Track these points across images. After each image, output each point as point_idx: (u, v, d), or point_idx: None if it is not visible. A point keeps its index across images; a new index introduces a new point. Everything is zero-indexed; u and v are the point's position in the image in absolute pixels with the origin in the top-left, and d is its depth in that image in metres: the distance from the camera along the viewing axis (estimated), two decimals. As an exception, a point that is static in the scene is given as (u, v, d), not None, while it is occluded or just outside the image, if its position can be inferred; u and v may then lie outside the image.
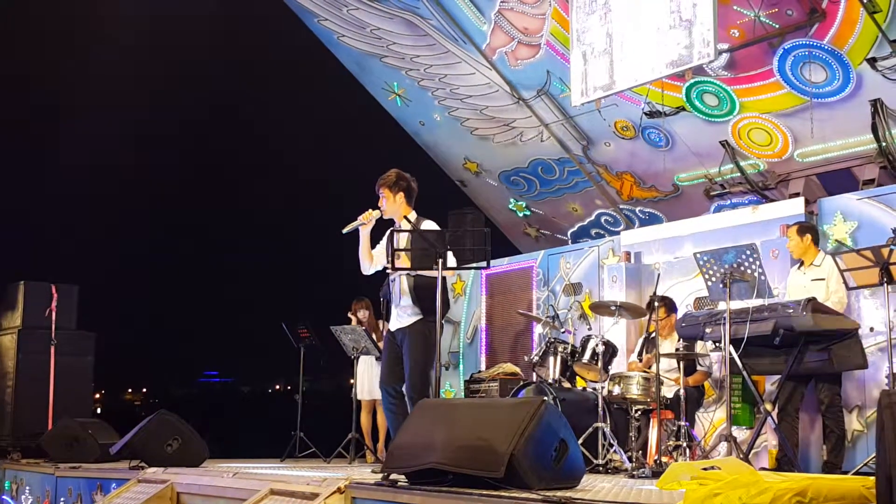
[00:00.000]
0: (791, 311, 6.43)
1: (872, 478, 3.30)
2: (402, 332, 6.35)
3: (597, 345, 7.50)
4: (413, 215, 6.46)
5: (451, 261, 6.12)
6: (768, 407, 6.93)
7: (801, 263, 7.39)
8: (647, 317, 7.76)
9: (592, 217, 12.71)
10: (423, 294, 6.32)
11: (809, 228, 7.45)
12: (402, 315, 6.37)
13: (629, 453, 6.83)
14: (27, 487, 8.43)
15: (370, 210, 6.36)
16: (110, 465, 7.61)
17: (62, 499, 7.68)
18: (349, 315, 9.74)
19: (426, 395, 6.18)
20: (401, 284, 6.37)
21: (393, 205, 6.44)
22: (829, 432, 6.92)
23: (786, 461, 6.83)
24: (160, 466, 6.80)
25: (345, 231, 6.30)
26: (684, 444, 6.75)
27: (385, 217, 6.45)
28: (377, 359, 9.15)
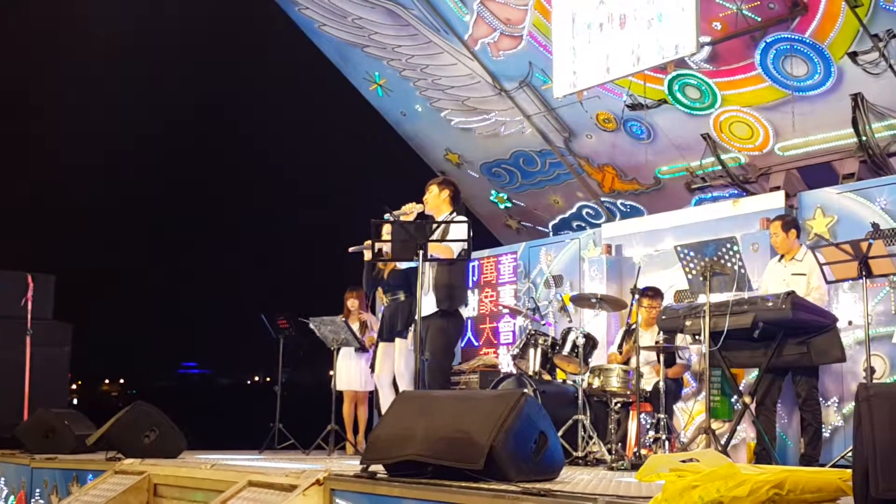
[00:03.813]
0: (770, 304, 6.45)
1: (849, 470, 3.30)
2: (426, 322, 6.43)
3: (577, 337, 7.51)
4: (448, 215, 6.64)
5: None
6: (747, 400, 6.96)
7: (781, 256, 7.41)
8: (629, 309, 7.79)
9: (574, 209, 12.71)
10: (444, 288, 6.51)
11: (794, 223, 7.47)
12: (430, 304, 6.45)
13: (609, 445, 6.84)
14: (2, 478, 8.37)
15: (413, 203, 6.52)
16: (87, 456, 7.54)
17: (38, 490, 7.62)
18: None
19: (445, 387, 6.34)
20: (429, 276, 6.46)
21: (437, 199, 6.69)
22: (807, 425, 6.94)
23: (764, 454, 6.86)
24: (137, 457, 6.74)
25: (385, 217, 6.37)
26: (663, 437, 6.77)
27: (427, 211, 6.66)
28: (356, 350, 9.14)
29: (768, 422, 7.02)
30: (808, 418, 6.93)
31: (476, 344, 10.93)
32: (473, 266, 11.06)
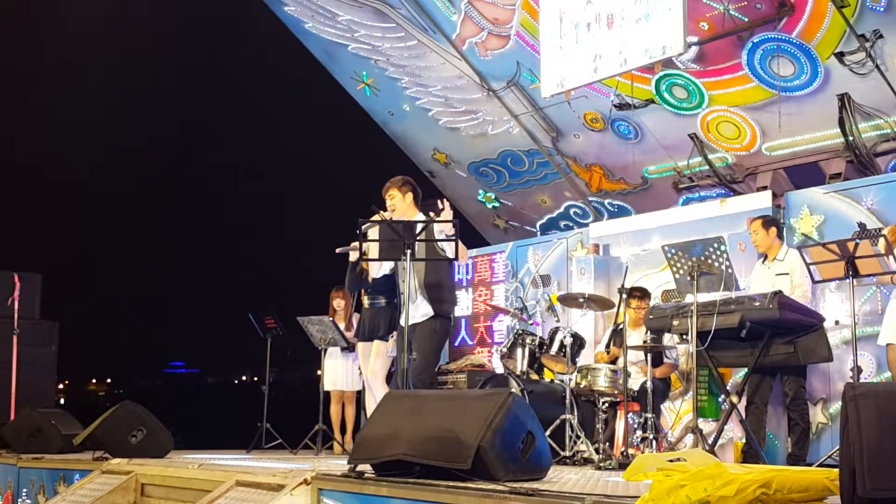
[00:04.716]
0: (757, 303, 6.46)
1: (836, 470, 3.32)
2: (413, 329, 6.37)
3: (564, 337, 7.51)
4: (420, 217, 6.64)
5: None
6: (734, 399, 6.97)
7: (765, 257, 7.43)
8: (616, 308, 7.79)
9: (561, 209, 12.71)
10: (436, 289, 6.49)
11: (774, 221, 7.49)
12: (416, 311, 6.40)
13: (596, 445, 6.85)
14: (-12, 478, 8.32)
15: (381, 212, 6.49)
16: (74, 456, 7.52)
17: (24, 490, 7.59)
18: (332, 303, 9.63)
19: (432, 388, 6.31)
20: (414, 281, 6.40)
21: (403, 203, 6.69)
22: (794, 425, 6.97)
23: (751, 453, 6.88)
24: (124, 457, 6.73)
25: (359, 231, 6.33)
26: (651, 436, 6.78)
27: (395, 217, 6.60)
28: (343, 349, 9.13)
29: (757, 421, 7.04)
30: (796, 418, 6.95)
31: (470, 343, 10.89)
32: (468, 265, 11.03)
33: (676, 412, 8.17)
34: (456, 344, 10.99)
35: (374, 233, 6.49)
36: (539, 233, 12.81)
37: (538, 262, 10.27)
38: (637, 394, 7.33)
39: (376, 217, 6.55)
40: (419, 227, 5.96)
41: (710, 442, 6.65)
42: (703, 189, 10.88)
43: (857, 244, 6.30)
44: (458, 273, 11.12)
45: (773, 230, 7.38)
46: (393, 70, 12.17)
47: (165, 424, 7.39)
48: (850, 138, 9.25)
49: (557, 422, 7.02)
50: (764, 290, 6.84)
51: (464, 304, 11.10)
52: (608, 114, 10.89)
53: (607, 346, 8.05)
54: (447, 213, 6.42)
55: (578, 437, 6.97)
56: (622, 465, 5.97)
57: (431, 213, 6.60)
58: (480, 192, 13.23)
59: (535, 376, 7.92)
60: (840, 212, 7.85)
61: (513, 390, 6.12)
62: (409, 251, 5.80)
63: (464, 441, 4.06)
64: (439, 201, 6.55)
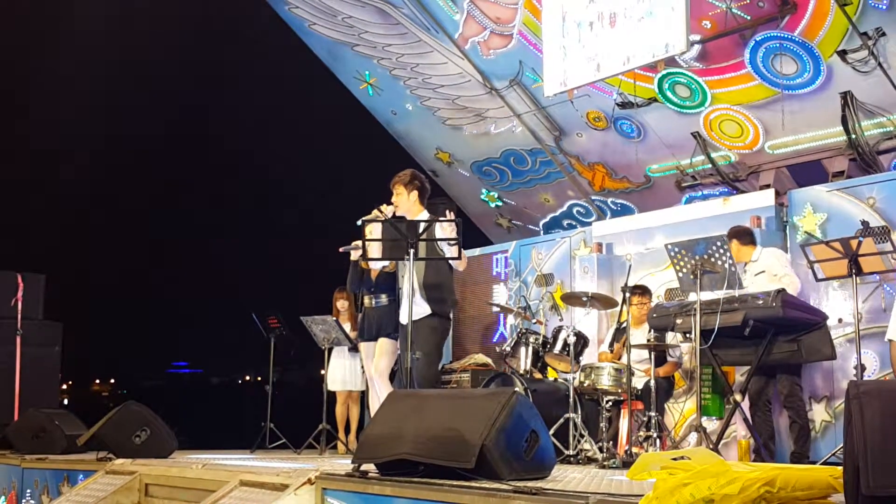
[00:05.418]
0: (760, 302, 6.46)
1: (840, 468, 3.31)
2: (415, 323, 6.36)
3: (568, 335, 7.51)
4: (425, 214, 6.62)
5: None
6: (738, 397, 6.97)
7: (746, 264, 7.43)
8: (619, 307, 7.79)
9: (564, 208, 12.72)
10: (435, 290, 6.49)
11: (736, 234, 7.44)
12: (421, 307, 6.42)
13: (600, 444, 6.85)
14: (-8, 479, 8.33)
15: (384, 205, 6.50)
16: (77, 457, 7.52)
17: (28, 490, 7.59)
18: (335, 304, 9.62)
19: (435, 387, 6.31)
20: (414, 279, 6.40)
21: (406, 202, 6.66)
22: (792, 423, 6.98)
23: (758, 453, 6.88)
24: (128, 458, 6.72)
25: (359, 223, 6.34)
26: (654, 435, 6.78)
27: (398, 214, 6.61)
28: (350, 350, 9.13)
29: (764, 422, 7.04)
30: (793, 415, 6.96)
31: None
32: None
33: (680, 411, 8.17)
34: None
35: (375, 230, 6.48)
36: (542, 232, 12.82)
37: (541, 261, 10.26)
38: (641, 392, 7.33)
39: (378, 215, 6.55)
40: (421, 227, 5.95)
41: (713, 440, 6.65)
42: (706, 187, 10.88)
43: (860, 242, 6.30)
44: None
45: (735, 241, 7.36)
46: (396, 70, 12.18)
47: (169, 425, 7.39)
48: (853, 136, 9.26)
49: (561, 420, 7.02)
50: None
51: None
52: (611, 112, 10.89)
53: (611, 344, 8.04)
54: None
55: (582, 436, 6.97)
56: (626, 464, 5.97)
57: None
58: (483, 191, 13.23)
59: (538, 375, 7.92)
60: (843, 210, 7.83)
61: (516, 389, 6.12)
62: (412, 250, 5.80)
63: (468, 440, 4.06)
64: (448, 212, 6.55)
